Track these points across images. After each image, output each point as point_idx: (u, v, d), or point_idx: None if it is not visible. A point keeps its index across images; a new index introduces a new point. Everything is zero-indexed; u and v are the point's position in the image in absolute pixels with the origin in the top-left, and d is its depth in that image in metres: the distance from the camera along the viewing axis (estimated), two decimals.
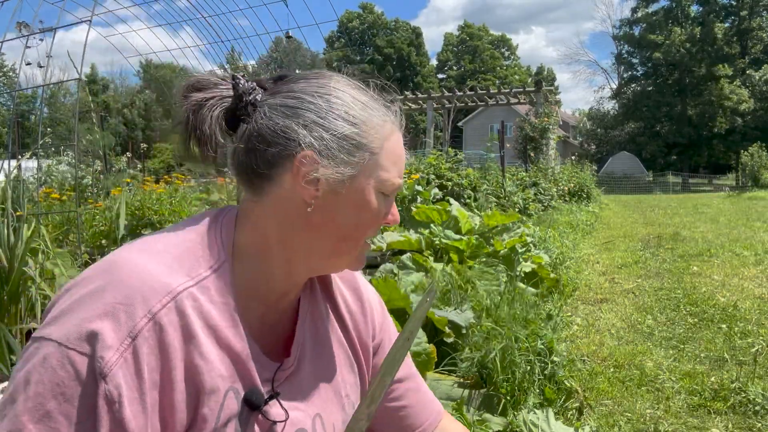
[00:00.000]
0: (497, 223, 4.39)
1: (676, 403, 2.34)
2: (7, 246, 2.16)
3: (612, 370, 2.73)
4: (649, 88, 44.42)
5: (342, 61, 52.99)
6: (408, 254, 3.58)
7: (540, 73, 58.21)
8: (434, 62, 61.88)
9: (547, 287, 3.62)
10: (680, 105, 42.38)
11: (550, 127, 15.00)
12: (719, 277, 4.78)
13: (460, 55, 60.65)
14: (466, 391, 2.08)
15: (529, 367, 2.24)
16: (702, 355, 2.91)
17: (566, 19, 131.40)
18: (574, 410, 2.26)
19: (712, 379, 2.57)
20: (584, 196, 13.80)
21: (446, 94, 18.71)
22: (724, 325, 3.37)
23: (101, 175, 8.32)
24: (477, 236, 4.08)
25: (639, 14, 47.18)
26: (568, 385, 2.36)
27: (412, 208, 4.98)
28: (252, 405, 0.68)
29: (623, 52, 49.54)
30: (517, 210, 7.39)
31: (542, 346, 2.39)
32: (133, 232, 4.07)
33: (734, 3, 43.90)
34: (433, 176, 7.14)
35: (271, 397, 0.71)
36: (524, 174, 10.80)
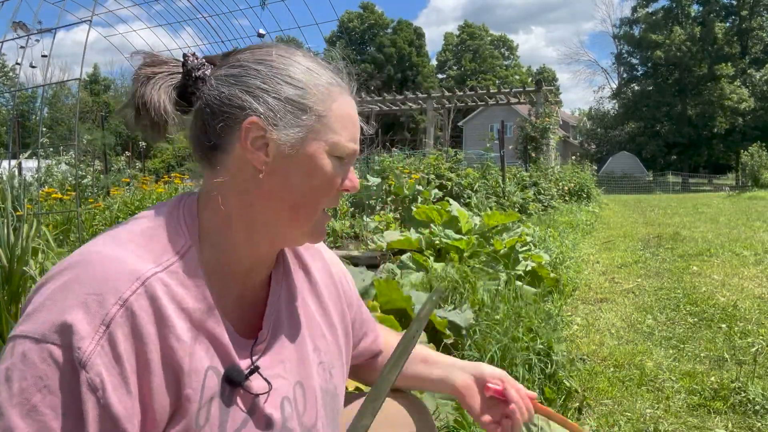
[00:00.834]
0: (497, 222, 4.39)
1: (676, 403, 2.34)
2: (7, 246, 2.16)
3: (612, 369, 2.73)
4: (649, 88, 44.42)
5: (342, 60, 52.88)
6: (408, 254, 3.58)
7: (540, 73, 58.22)
8: (434, 62, 61.91)
9: (546, 287, 3.62)
10: (680, 105, 42.37)
11: (551, 127, 15.00)
12: (719, 276, 4.78)
13: (460, 55, 60.65)
14: None
15: (528, 367, 2.24)
16: (702, 354, 2.91)
17: (566, 19, 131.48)
18: (574, 410, 2.26)
19: (712, 378, 2.57)
20: (584, 195, 13.81)
21: (446, 94, 18.71)
22: (724, 325, 3.37)
23: (102, 175, 8.33)
24: (477, 236, 4.08)
25: (639, 14, 47.18)
26: (568, 384, 2.36)
27: (412, 207, 4.98)
28: (233, 382, 0.69)
29: (623, 52, 49.55)
30: (516, 210, 7.40)
31: (542, 346, 2.39)
32: None
33: (734, 3, 43.89)
34: (433, 176, 7.14)
35: (251, 372, 0.72)
36: (524, 174, 10.80)
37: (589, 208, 11.68)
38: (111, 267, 0.63)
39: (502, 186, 8.01)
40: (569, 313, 3.71)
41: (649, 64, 45.45)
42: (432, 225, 4.26)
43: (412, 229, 4.23)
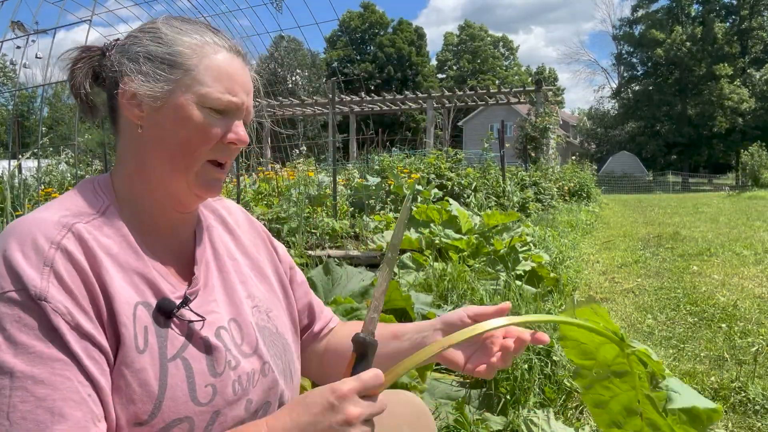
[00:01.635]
0: (497, 222, 4.39)
1: None
2: None
3: None
4: (649, 88, 44.43)
5: (343, 60, 53.00)
6: (408, 253, 3.58)
7: (540, 73, 58.17)
8: (434, 62, 61.87)
9: (546, 287, 3.62)
10: (680, 104, 42.37)
11: (551, 126, 15.00)
12: (719, 276, 4.78)
13: (460, 55, 60.62)
14: (466, 391, 2.08)
15: (528, 367, 2.24)
16: (702, 354, 2.91)
17: (566, 19, 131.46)
18: (574, 410, 2.26)
19: (712, 378, 2.57)
20: (584, 195, 13.81)
21: (446, 93, 18.69)
22: (723, 325, 3.37)
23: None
24: (477, 236, 4.08)
25: (639, 13, 47.17)
26: (569, 384, 2.35)
27: (413, 207, 4.98)
28: (164, 311, 0.75)
29: (623, 51, 49.54)
30: (516, 209, 7.39)
31: (542, 346, 2.39)
32: None
33: (735, 2, 43.89)
34: (433, 176, 7.14)
35: (183, 303, 0.77)
36: (524, 174, 10.79)
37: (589, 208, 11.68)
38: (38, 223, 0.71)
39: (502, 186, 8.01)
40: None
41: (649, 64, 45.45)
42: (432, 225, 4.26)
43: (412, 229, 4.23)
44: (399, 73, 53.83)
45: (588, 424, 2.12)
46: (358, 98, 18.56)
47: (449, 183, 7.06)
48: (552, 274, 3.91)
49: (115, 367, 0.71)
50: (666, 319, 3.61)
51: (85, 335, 0.67)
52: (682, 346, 3.06)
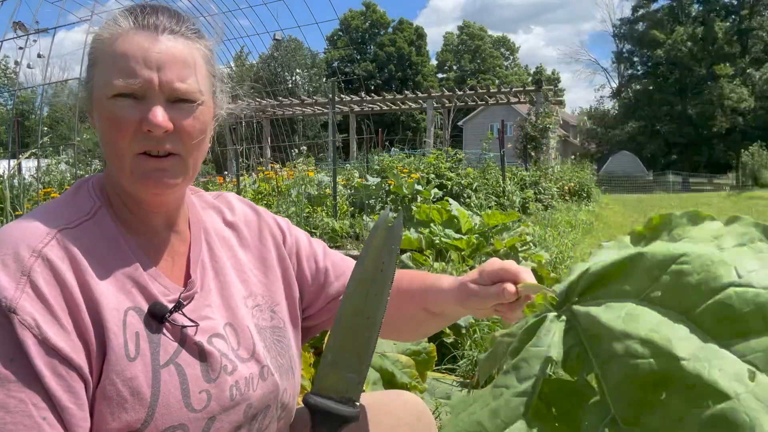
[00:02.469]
0: (497, 222, 4.39)
1: None
2: None
3: None
4: (650, 88, 44.44)
5: (344, 59, 53.03)
6: (408, 253, 3.58)
7: (540, 73, 58.18)
8: (434, 62, 61.88)
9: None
10: (681, 104, 42.38)
11: (551, 126, 15.00)
12: None
13: (460, 55, 60.62)
14: (467, 391, 2.08)
15: None
16: None
17: (566, 19, 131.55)
18: None
19: None
20: (584, 195, 13.81)
21: (446, 93, 18.69)
22: None
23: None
24: (477, 235, 4.08)
25: (640, 13, 47.20)
26: None
27: (413, 207, 4.99)
28: (156, 316, 0.74)
29: (623, 51, 49.57)
30: (516, 209, 7.40)
31: None
32: None
33: (735, 2, 43.92)
34: (433, 176, 7.14)
35: (176, 308, 0.75)
36: (524, 173, 10.80)
37: (589, 208, 11.68)
38: (22, 230, 0.70)
39: (502, 185, 8.01)
40: None
41: (650, 64, 45.47)
42: (432, 224, 4.26)
43: (412, 229, 4.23)
44: (399, 72, 53.83)
45: None
46: (358, 98, 18.55)
47: (449, 183, 7.06)
48: (552, 274, 3.91)
49: (103, 375, 0.69)
50: None
51: (53, 349, 0.65)
52: None
